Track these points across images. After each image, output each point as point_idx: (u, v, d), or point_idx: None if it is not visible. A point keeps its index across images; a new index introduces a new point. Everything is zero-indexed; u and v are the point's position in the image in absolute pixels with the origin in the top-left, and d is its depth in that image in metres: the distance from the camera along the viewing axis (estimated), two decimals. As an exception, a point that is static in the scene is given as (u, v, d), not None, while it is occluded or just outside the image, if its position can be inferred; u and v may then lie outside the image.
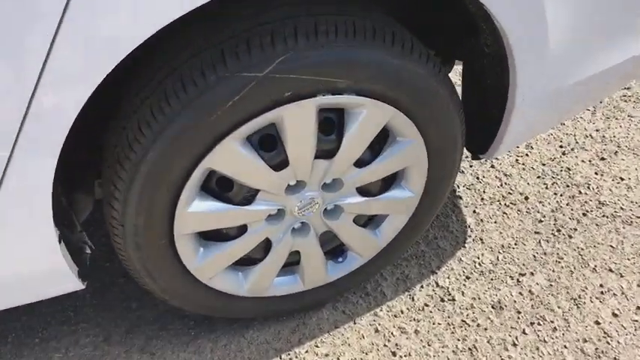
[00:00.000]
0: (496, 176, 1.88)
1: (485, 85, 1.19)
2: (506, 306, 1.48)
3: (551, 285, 1.54)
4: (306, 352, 1.36)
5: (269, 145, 1.00)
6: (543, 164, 1.93)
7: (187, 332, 1.39)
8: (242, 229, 1.13)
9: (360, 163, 1.11)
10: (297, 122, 0.95)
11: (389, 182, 1.23)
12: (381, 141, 1.12)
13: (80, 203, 1.22)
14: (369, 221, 1.31)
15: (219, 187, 1.05)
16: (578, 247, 1.65)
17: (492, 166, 1.91)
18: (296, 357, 1.35)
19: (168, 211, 0.99)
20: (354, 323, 1.43)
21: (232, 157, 0.95)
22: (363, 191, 1.19)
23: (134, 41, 0.74)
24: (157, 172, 0.92)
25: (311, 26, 0.87)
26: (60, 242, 0.97)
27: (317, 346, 1.38)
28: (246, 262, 1.23)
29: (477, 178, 1.87)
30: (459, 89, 1.26)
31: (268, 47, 0.85)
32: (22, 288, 1.00)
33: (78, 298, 1.46)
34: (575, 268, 1.59)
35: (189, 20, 0.79)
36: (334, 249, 1.33)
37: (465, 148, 1.34)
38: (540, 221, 1.72)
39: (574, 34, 1.02)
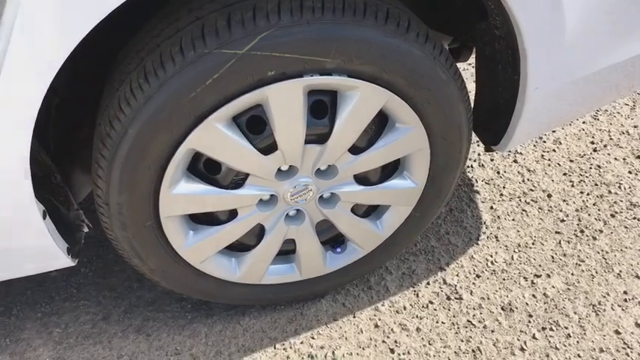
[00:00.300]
0: (518, 171, 1.78)
1: (497, 73, 1.11)
2: (517, 308, 1.40)
3: (568, 289, 1.44)
4: (302, 342, 1.33)
5: (258, 128, 0.97)
6: (571, 161, 1.81)
7: (184, 315, 1.38)
8: (233, 214, 1.10)
9: (355, 150, 1.06)
10: (284, 104, 0.91)
11: (391, 171, 1.17)
12: (380, 127, 1.06)
13: (79, 181, 1.22)
14: (371, 211, 1.25)
15: (207, 170, 1.02)
16: (602, 250, 1.54)
17: (515, 161, 1.81)
18: (290, 347, 1.32)
19: (152, 192, 0.97)
20: (354, 317, 1.38)
21: (216, 138, 0.92)
22: (361, 179, 1.14)
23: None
24: (137, 150, 0.89)
25: (296, 1, 0.82)
26: (45, 218, 0.96)
27: (313, 338, 1.34)
28: (240, 247, 1.20)
29: (498, 172, 1.77)
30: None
31: (249, 23, 0.81)
32: (6, 261, 1.00)
33: (82, 276, 1.47)
34: (597, 272, 1.48)
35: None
36: (333, 239, 1.29)
37: (481, 140, 1.28)
38: (562, 221, 1.61)
39: (589, 22, 0.93)
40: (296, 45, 0.83)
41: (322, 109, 0.99)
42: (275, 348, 1.32)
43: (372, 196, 1.17)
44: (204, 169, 1.02)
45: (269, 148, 0.98)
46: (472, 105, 1.32)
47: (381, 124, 1.06)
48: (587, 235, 1.58)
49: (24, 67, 0.74)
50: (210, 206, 1.05)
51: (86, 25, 0.72)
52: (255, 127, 0.97)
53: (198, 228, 1.10)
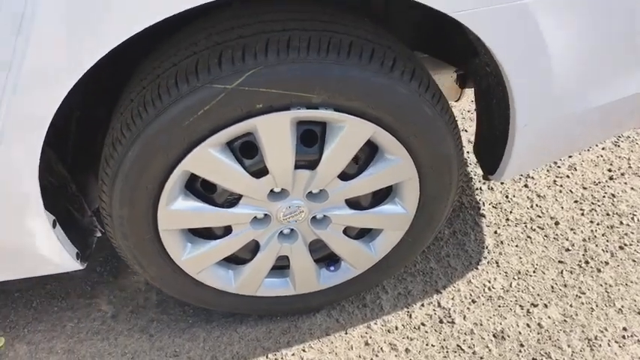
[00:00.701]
0: (528, 196, 1.77)
1: (492, 106, 1.14)
2: (509, 336, 1.41)
3: (565, 321, 1.44)
4: (293, 354, 1.38)
5: (251, 152, 1.03)
6: (584, 188, 1.79)
7: (185, 319, 1.46)
8: (228, 230, 1.16)
9: (345, 176, 1.10)
10: (272, 134, 0.97)
11: (382, 196, 1.21)
12: (371, 155, 1.10)
13: (93, 190, 1.32)
14: (364, 233, 1.29)
15: (204, 188, 1.09)
16: (605, 283, 1.52)
17: (526, 185, 1.80)
18: (282, 358, 1.38)
19: (151, 207, 1.05)
20: (346, 333, 1.43)
21: (209, 161, 0.99)
22: (353, 203, 1.18)
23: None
24: (137, 170, 0.97)
25: (283, 42, 0.87)
26: (54, 226, 1.06)
27: (304, 351, 1.39)
28: (237, 260, 1.27)
29: (506, 196, 1.77)
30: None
31: (239, 61, 0.87)
32: (20, 263, 1.11)
33: (97, 275, 1.58)
34: (597, 305, 1.47)
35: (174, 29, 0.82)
36: (327, 257, 1.33)
37: (480, 167, 1.30)
38: (567, 250, 1.60)
39: (577, 63, 0.94)
40: (282, 82, 0.89)
41: (313, 137, 1.04)
42: (267, 358, 1.38)
43: (364, 220, 1.21)
44: (202, 187, 1.09)
45: (261, 171, 1.04)
46: (476, 130, 1.35)
47: (371, 152, 1.10)
48: (591, 267, 1.56)
49: (39, 82, 0.82)
50: (205, 222, 1.12)
51: (100, 51, 0.79)
52: (248, 151, 1.03)
53: (195, 241, 1.18)
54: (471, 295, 1.50)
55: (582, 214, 1.71)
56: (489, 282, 1.54)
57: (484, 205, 1.75)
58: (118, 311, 1.49)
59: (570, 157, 1.90)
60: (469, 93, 1.49)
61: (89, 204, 1.29)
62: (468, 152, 1.94)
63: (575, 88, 1.00)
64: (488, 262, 1.58)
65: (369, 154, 1.10)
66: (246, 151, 1.03)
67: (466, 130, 2.07)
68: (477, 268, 1.57)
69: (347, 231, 1.25)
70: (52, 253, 1.09)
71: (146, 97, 0.91)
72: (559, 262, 1.58)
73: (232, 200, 1.11)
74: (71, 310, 1.50)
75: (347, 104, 0.94)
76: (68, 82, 0.82)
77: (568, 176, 1.84)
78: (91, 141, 1.27)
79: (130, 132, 0.93)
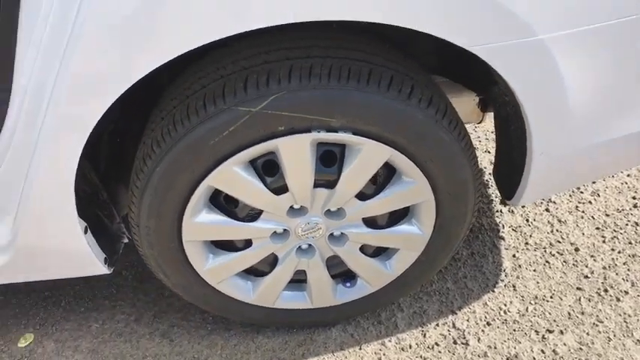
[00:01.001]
0: (548, 221, 1.77)
1: (510, 133, 1.15)
2: (522, 361, 1.41)
3: (580, 349, 1.43)
4: (307, 367, 1.42)
5: (272, 170, 1.07)
6: (607, 215, 1.77)
7: (205, 326, 1.51)
8: (248, 243, 1.21)
9: (363, 196, 1.14)
10: (293, 154, 1.01)
11: (400, 216, 1.24)
12: (388, 176, 1.14)
13: (122, 198, 1.39)
14: (380, 251, 1.32)
15: (227, 203, 1.14)
16: (624, 313, 1.50)
17: (547, 210, 1.80)
18: (296, 370, 1.41)
19: (176, 219, 1.10)
20: (360, 349, 1.45)
21: (232, 178, 1.04)
22: (370, 222, 1.21)
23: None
24: (164, 184, 1.03)
25: (306, 69, 0.92)
26: (86, 233, 1.12)
27: (318, 364, 1.42)
28: (256, 272, 1.31)
29: (527, 220, 1.77)
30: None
31: (263, 86, 0.92)
32: (52, 265, 1.18)
33: (122, 278, 1.65)
34: (615, 335, 1.46)
35: (204, 53, 0.88)
36: (344, 273, 1.37)
37: (499, 191, 1.31)
38: (586, 277, 1.59)
39: (593, 96, 0.95)
40: (303, 106, 0.93)
41: (332, 157, 1.08)
42: (281, 368, 1.41)
43: (380, 239, 1.24)
44: (224, 201, 1.14)
45: (281, 189, 1.09)
46: (495, 155, 1.36)
47: (388, 174, 1.13)
48: (610, 295, 1.55)
49: (86, 90, 0.88)
50: (227, 235, 1.17)
51: (150, 65, 0.85)
52: (270, 168, 1.07)
53: (217, 252, 1.23)
54: (486, 317, 1.51)
55: (604, 242, 1.69)
56: (505, 305, 1.54)
57: (504, 227, 1.76)
58: (141, 315, 1.55)
59: (594, 182, 1.89)
60: (492, 115, 1.52)
61: (118, 211, 1.36)
62: (490, 174, 1.95)
63: (592, 120, 1.01)
64: (505, 286, 1.58)
65: (386, 175, 1.13)
66: (267, 168, 1.07)
67: (489, 152, 2.08)
68: (493, 291, 1.57)
69: (364, 248, 1.28)
70: (81, 257, 1.16)
71: (176, 116, 0.97)
72: (577, 288, 1.57)
73: (253, 215, 1.15)
74: (97, 311, 1.57)
75: (365, 128, 0.98)
76: (115, 93, 0.88)
77: (590, 202, 1.82)
78: (122, 151, 1.34)
79: (159, 148, 0.99)
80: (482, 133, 2.19)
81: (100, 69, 0.87)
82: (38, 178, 1.01)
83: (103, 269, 1.22)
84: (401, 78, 0.97)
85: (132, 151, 1.21)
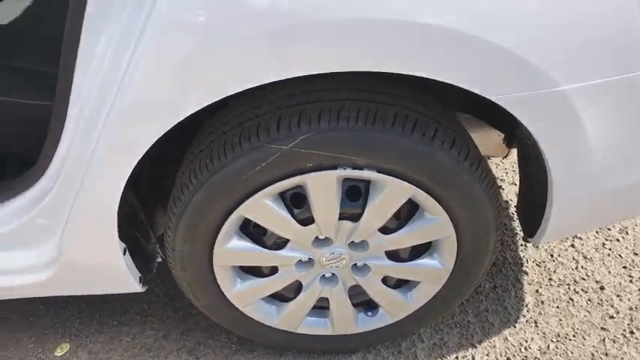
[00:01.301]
0: (573, 257, 1.76)
1: (532, 172, 1.18)
2: (542, 400, 1.41)
3: (602, 390, 1.42)
4: (326, 392, 1.45)
5: (299, 202, 1.13)
6: (635, 254, 1.76)
7: (229, 346, 1.57)
8: (274, 269, 1.27)
9: (386, 230, 1.18)
10: (320, 188, 1.07)
11: (421, 250, 1.27)
12: (411, 212, 1.18)
13: (159, 220, 1.47)
14: (401, 283, 1.36)
15: (256, 230, 1.20)
16: (650, 356, 1.49)
17: (572, 245, 1.80)
18: (315, 394, 1.44)
19: (208, 245, 1.17)
20: (379, 376, 1.48)
21: (262, 209, 1.10)
22: (392, 255, 1.26)
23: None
24: (199, 213, 1.10)
25: (335, 111, 0.98)
26: (124, 254, 1.20)
27: (337, 389, 1.45)
28: (281, 297, 1.37)
29: (551, 255, 1.77)
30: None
31: (294, 126, 0.98)
32: (89, 281, 1.26)
33: (154, 294, 1.73)
34: (639, 378, 1.44)
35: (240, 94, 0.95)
36: (366, 302, 1.40)
37: (521, 228, 1.33)
38: (612, 317, 1.58)
39: (616, 144, 0.98)
40: (331, 146, 0.99)
41: (357, 191, 1.13)
42: (302, 392, 1.45)
43: (402, 272, 1.28)
44: (254, 229, 1.21)
45: (307, 220, 1.14)
46: (518, 192, 1.39)
47: (411, 209, 1.17)
48: (636, 338, 1.53)
49: (143, 115, 0.96)
50: (254, 261, 1.23)
51: (207, 99, 0.92)
52: (298, 200, 1.13)
53: (244, 277, 1.29)
54: (506, 352, 1.52)
55: (631, 281, 1.68)
56: (526, 342, 1.54)
57: (527, 262, 1.76)
58: (169, 331, 1.62)
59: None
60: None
61: (154, 232, 1.43)
62: (515, 206, 1.96)
63: (615, 165, 1.04)
64: (526, 321, 1.59)
65: (409, 210, 1.18)
66: (295, 200, 1.13)
67: (515, 184, 2.09)
68: (514, 326, 1.58)
69: (385, 279, 1.32)
70: (118, 276, 1.24)
71: (213, 150, 1.04)
72: (602, 328, 1.56)
73: (280, 243, 1.21)
74: (128, 325, 1.65)
75: (389, 167, 1.03)
76: (167, 125, 0.95)
77: (618, 240, 1.81)
78: (162, 176, 1.43)
79: (196, 179, 1.06)
80: (510, 165, 2.20)
81: (155, 101, 0.94)
82: (85, 201, 1.09)
83: (137, 287, 1.29)
84: (425, 121, 1.01)
85: (171, 177, 1.29)
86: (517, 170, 2.15)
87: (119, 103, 0.95)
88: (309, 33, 0.85)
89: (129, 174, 1.03)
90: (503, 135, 1.43)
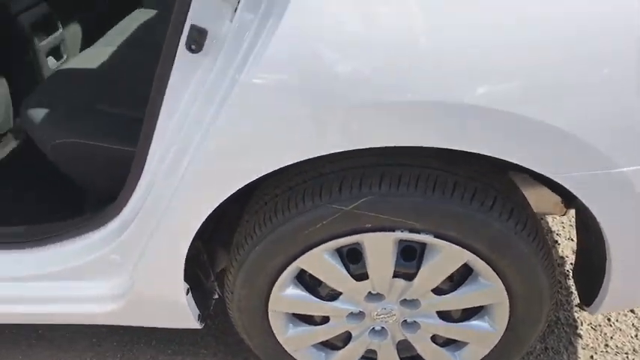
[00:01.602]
0: (633, 324, 1.70)
1: (590, 240, 1.18)
2: None
3: None
4: None
5: (355, 257, 1.18)
6: (701, 326, 1.67)
7: (276, 386, 1.60)
8: (326, 318, 1.31)
9: (439, 291, 1.20)
10: (376, 248, 1.11)
11: (473, 311, 1.28)
12: (465, 275, 1.19)
13: (220, 257, 1.55)
14: (450, 342, 1.36)
15: (311, 280, 1.25)
16: None
17: (632, 311, 1.73)
18: None
19: (265, 291, 1.23)
20: None
21: (319, 263, 1.15)
22: (443, 314, 1.27)
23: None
24: (260, 262, 1.17)
25: (395, 177, 1.02)
26: (187, 294, 1.28)
27: None
28: (331, 345, 1.40)
29: (609, 319, 1.72)
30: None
31: (356, 188, 1.03)
32: (152, 315, 1.34)
33: (207, 327, 1.79)
34: None
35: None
36: (414, 357, 1.41)
37: (578, 295, 1.31)
38: (672, 393, 1.51)
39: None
40: (391, 210, 1.04)
41: (413, 251, 1.16)
42: None
43: (451, 332, 1.29)
44: (309, 278, 1.26)
45: (362, 276, 1.18)
46: (575, 258, 1.37)
47: (466, 273, 1.19)
48: (699, 417, 1.45)
49: (223, 172, 1.04)
50: (308, 310, 1.27)
51: (283, 161, 1.00)
52: (354, 255, 1.18)
53: (297, 323, 1.33)
54: (556, 420, 1.47)
55: (695, 355, 1.60)
56: (578, 410, 1.49)
57: (582, 324, 1.71)
58: (220, 365, 1.68)
59: (688, 287, 1.79)
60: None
61: (214, 271, 1.51)
62: (571, 264, 1.92)
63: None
64: (579, 388, 1.54)
65: (463, 273, 1.19)
66: (351, 255, 1.18)
67: (572, 239, 2.04)
68: (566, 393, 1.53)
69: (435, 337, 1.33)
70: (180, 312, 1.32)
71: (277, 205, 1.11)
72: (660, 404, 1.49)
73: (334, 295, 1.25)
74: (182, 355, 1.73)
75: (446, 233, 1.06)
76: (246, 179, 1.02)
77: (683, 309, 1.73)
78: (226, 220, 1.51)
79: (260, 231, 1.13)
80: (567, 219, 2.15)
81: (236, 157, 1.01)
82: (158, 244, 1.18)
83: (195, 324, 1.37)
84: (484, 190, 1.04)
85: (234, 222, 1.37)
86: (574, 225, 2.11)
87: (201, 155, 1.02)
88: (394, 110, 0.90)
89: (203, 220, 1.11)
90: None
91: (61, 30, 2.17)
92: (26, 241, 1.36)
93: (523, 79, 0.88)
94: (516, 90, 0.88)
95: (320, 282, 1.25)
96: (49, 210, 1.64)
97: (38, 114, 1.47)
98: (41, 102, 1.51)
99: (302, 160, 0.97)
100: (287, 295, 1.24)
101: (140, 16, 2.13)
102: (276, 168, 0.99)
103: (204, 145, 1.01)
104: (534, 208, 1.20)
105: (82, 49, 2.31)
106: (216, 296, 1.53)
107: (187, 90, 1.03)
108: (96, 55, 1.83)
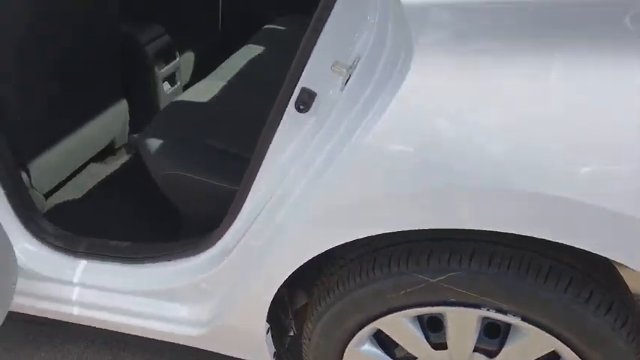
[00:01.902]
0: None
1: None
2: None
3: None
4: None
5: (436, 325, 1.16)
6: None
7: None
8: (399, 379, 1.30)
9: (521, 373, 1.15)
10: (459, 322, 1.09)
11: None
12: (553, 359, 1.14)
13: (299, 297, 1.59)
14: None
15: (388, 340, 1.25)
16: None
17: None
18: None
19: (342, 343, 1.25)
20: None
21: (399, 327, 1.16)
22: (523, 395, 1.21)
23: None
24: (339, 317, 1.19)
25: (487, 255, 1.01)
26: (267, 333, 1.33)
27: None
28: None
29: None
30: None
31: (444, 261, 1.03)
32: (232, 346, 1.41)
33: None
34: None
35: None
36: None
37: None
38: None
39: None
40: (478, 288, 1.02)
41: (496, 327, 1.12)
42: None
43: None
44: (386, 338, 1.26)
45: (441, 345, 1.16)
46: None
47: (551, 357, 1.13)
48: None
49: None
50: (381, 369, 1.27)
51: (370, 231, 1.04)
52: (434, 323, 1.16)
53: (369, 378, 1.34)
54: None
55: None
56: None
57: None
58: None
59: None
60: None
61: (292, 311, 1.56)
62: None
63: None
64: None
65: (549, 357, 1.13)
66: (432, 323, 1.16)
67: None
68: None
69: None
70: (257, 348, 1.37)
71: (363, 265, 1.13)
72: None
73: (409, 358, 1.24)
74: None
75: (535, 318, 1.02)
76: (347, 239, 1.07)
77: None
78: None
79: (343, 288, 1.16)
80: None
81: (334, 222, 1.06)
82: (249, 283, 1.24)
83: (270, 361, 1.42)
84: (581, 280, 0.99)
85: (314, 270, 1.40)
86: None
87: (303, 208, 1.07)
88: (517, 199, 0.90)
89: (296, 268, 1.15)
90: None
91: (178, 59, 2.38)
92: (127, 257, 1.48)
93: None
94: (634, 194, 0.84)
95: (397, 344, 1.25)
96: (146, 228, 1.77)
97: (154, 144, 1.61)
98: (157, 133, 1.65)
99: (407, 230, 0.99)
100: (363, 351, 1.25)
101: (248, 52, 2.27)
102: (379, 233, 1.02)
103: (306, 201, 1.06)
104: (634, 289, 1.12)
105: (192, 76, 2.51)
106: (292, 334, 1.57)
107: (292, 144, 1.10)
108: (208, 89, 1.96)
